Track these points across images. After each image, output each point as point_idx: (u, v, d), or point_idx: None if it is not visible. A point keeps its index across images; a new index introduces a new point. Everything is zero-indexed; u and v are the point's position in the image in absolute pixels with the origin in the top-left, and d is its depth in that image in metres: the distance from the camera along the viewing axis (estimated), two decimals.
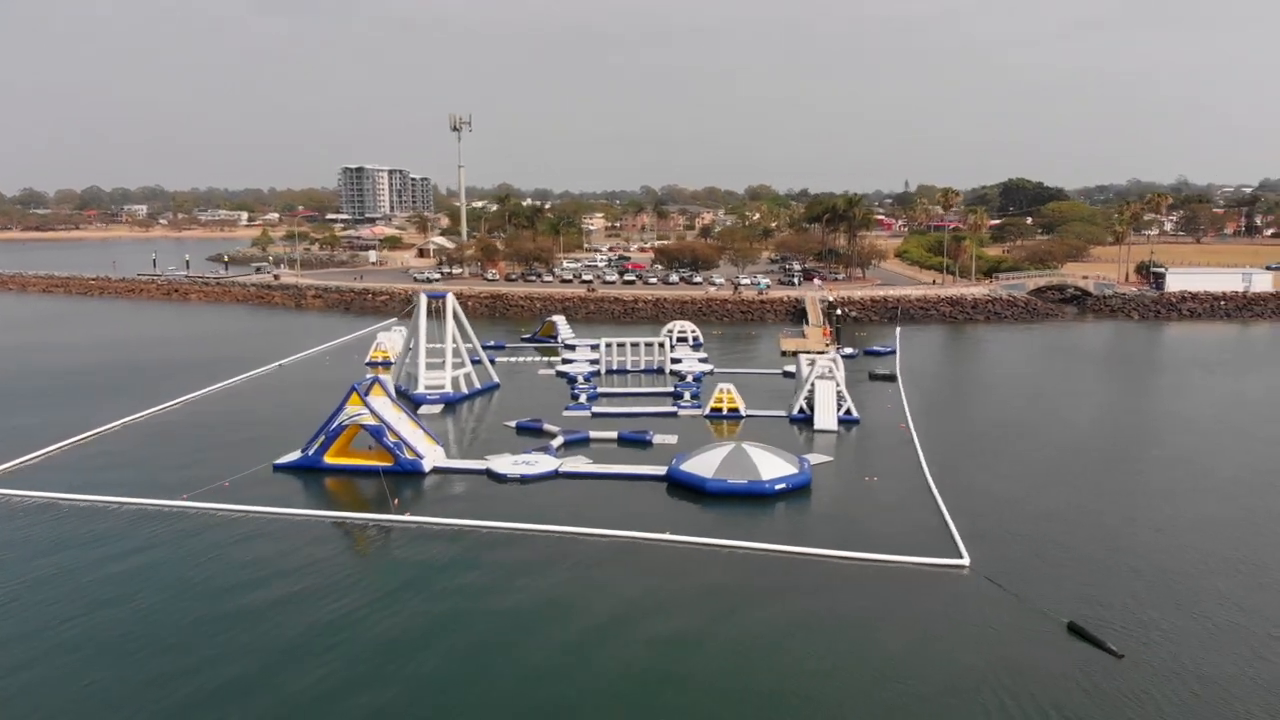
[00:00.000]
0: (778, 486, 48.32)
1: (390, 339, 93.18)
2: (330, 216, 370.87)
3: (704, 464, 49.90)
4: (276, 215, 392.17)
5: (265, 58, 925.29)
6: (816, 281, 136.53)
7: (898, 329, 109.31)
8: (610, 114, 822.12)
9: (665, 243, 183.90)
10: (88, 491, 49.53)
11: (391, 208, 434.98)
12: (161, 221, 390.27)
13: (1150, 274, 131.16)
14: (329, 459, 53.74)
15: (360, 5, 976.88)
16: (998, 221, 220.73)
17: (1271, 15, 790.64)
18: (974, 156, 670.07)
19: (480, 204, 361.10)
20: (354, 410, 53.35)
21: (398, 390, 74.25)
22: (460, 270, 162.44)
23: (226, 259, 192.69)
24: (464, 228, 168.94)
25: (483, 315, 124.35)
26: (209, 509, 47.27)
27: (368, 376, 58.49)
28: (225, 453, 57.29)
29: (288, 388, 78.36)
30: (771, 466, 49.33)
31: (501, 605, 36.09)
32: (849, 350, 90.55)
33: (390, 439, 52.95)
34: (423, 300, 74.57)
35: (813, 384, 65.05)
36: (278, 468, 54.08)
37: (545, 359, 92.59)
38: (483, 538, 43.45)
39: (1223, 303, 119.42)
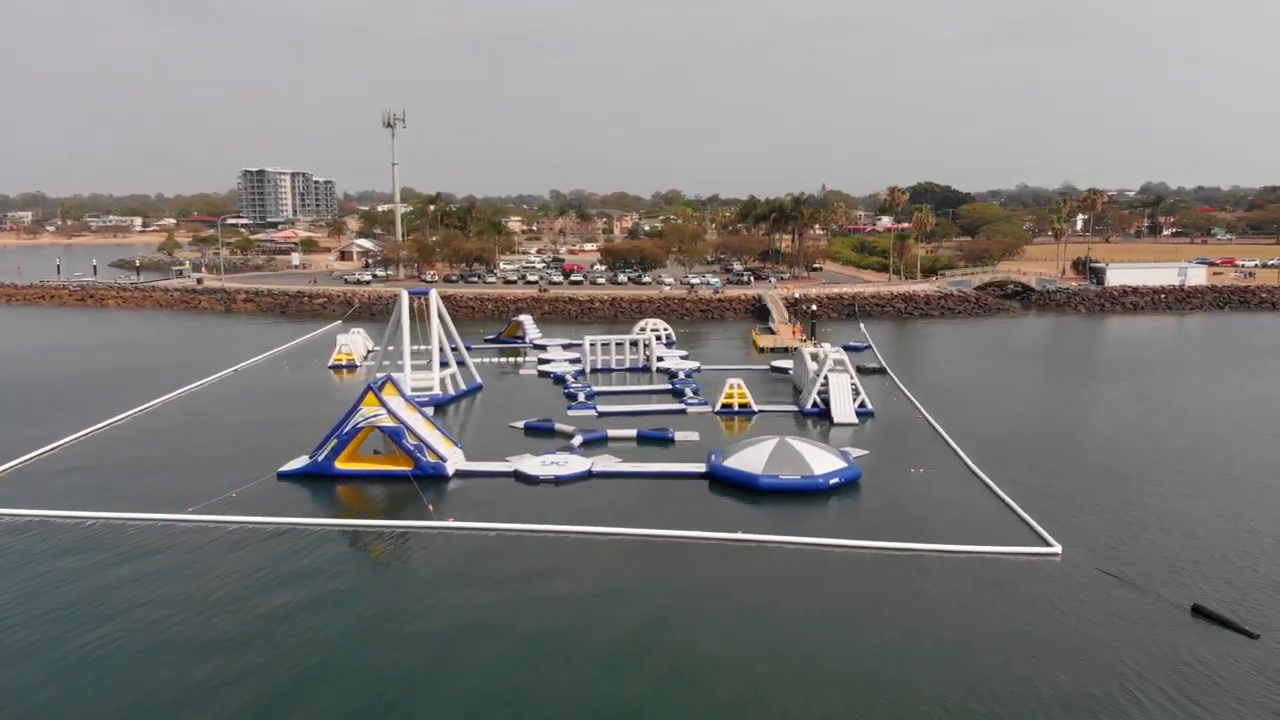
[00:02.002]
0: (832, 481, 46.57)
1: (351, 340, 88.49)
2: (230, 221, 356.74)
3: (750, 460, 47.76)
4: (174, 220, 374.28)
5: (146, 62, 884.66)
6: (772, 280, 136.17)
7: (861, 325, 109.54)
8: (514, 120, 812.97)
9: (613, 243, 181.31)
10: (67, 508, 44.52)
11: (294, 211, 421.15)
12: (49, 228, 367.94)
13: (1089, 270, 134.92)
14: (340, 464, 49.72)
15: (249, 7, 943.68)
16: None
17: (1137, 31, 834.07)
18: (881, 161, 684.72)
19: (385, 207, 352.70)
20: (370, 411, 49.41)
21: None
22: (390, 272, 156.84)
23: (139, 264, 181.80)
24: (399, 228, 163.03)
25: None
26: (223, 522, 42.89)
27: (379, 375, 54.55)
28: (216, 463, 52.58)
29: (251, 393, 73.16)
30: (822, 461, 47.56)
31: (614, 616, 33.23)
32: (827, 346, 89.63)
33: (410, 441, 49.24)
34: (404, 297, 70.51)
35: (826, 377, 63.70)
36: (282, 475, 49.77)
37: (515, 359, 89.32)
38: (541, 541, 40.41)
39: (1163, 296, 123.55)
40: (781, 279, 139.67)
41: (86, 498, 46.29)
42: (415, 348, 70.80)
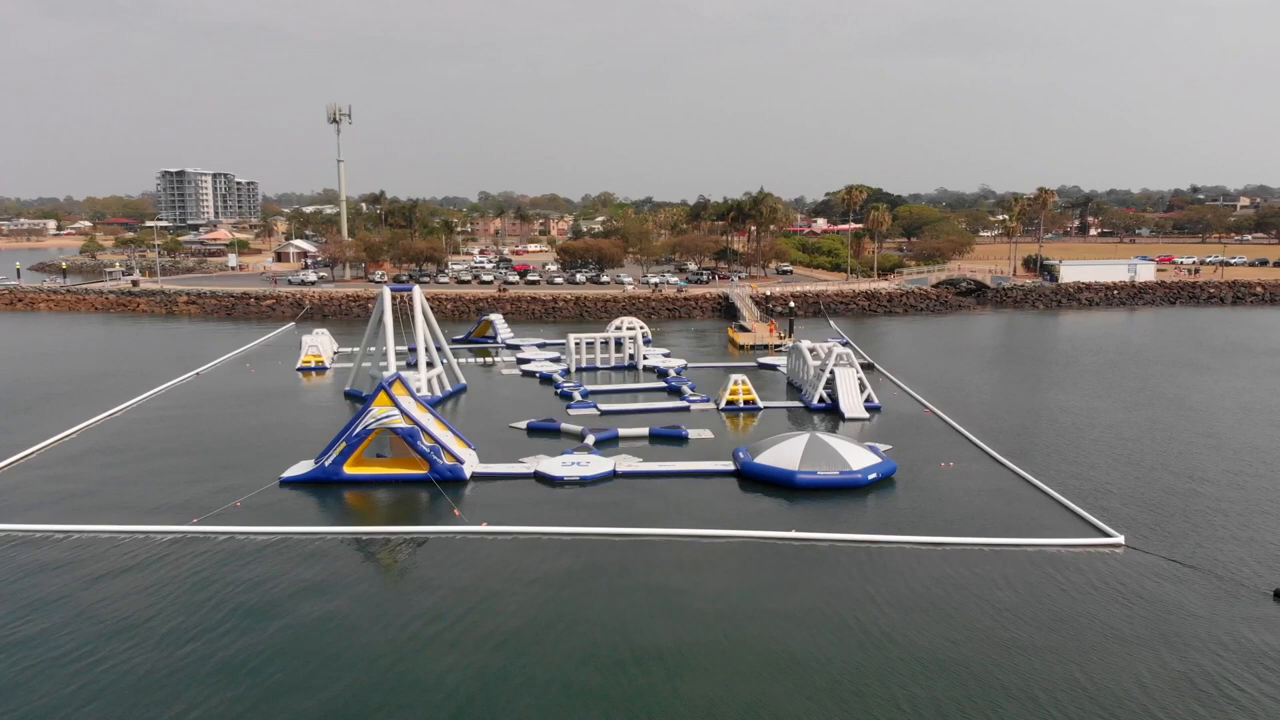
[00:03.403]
0: (870, 476, 45.40)
1: (319, 342, 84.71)
2: (149, 224, 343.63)
3: (783, 457, 46.29)
4: (89, 223, 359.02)
5: (54, 64, 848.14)
6: (735, 279, 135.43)
7: (832, 322, 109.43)
8: (438, 122, 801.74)
9: (570, 242, 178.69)
10: (59, 520, 40.95)
11: (216, 213, 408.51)
12: None
13: (1040, 268, 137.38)
14: (348, 469, 46.79)
15: (158, 9, 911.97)
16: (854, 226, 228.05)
17: (1050, 38, 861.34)
18: (808, 165, 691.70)
19: (311, 208, 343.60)
20: (382, 412, 46.54)
21: (362, 397, 67.27)
22: (327, 273, 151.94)
23: (64, 267, 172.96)
24: (344, 227, 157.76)
25: None
26: (232, 532, 39.78)
27: (387, 374, 51.64)
28: (208, 471, 49.15)
29: (221, 398, 69.10)
30: (857, 456, 46.35)
31: (693, 613, 31.35)
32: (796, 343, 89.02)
33: (425, 443, 46.57)
34: (387, 294, 67.43)
35: (832, 372, 62.72)
36: (285, 482, 46.63)
37: (487, 359, 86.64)
38: (591, 544, 38.26)
39: (1115, 292, 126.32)
40: (739, 279, 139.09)
41: (77, 510, 42.64)
42: (399, 348, 67.83)
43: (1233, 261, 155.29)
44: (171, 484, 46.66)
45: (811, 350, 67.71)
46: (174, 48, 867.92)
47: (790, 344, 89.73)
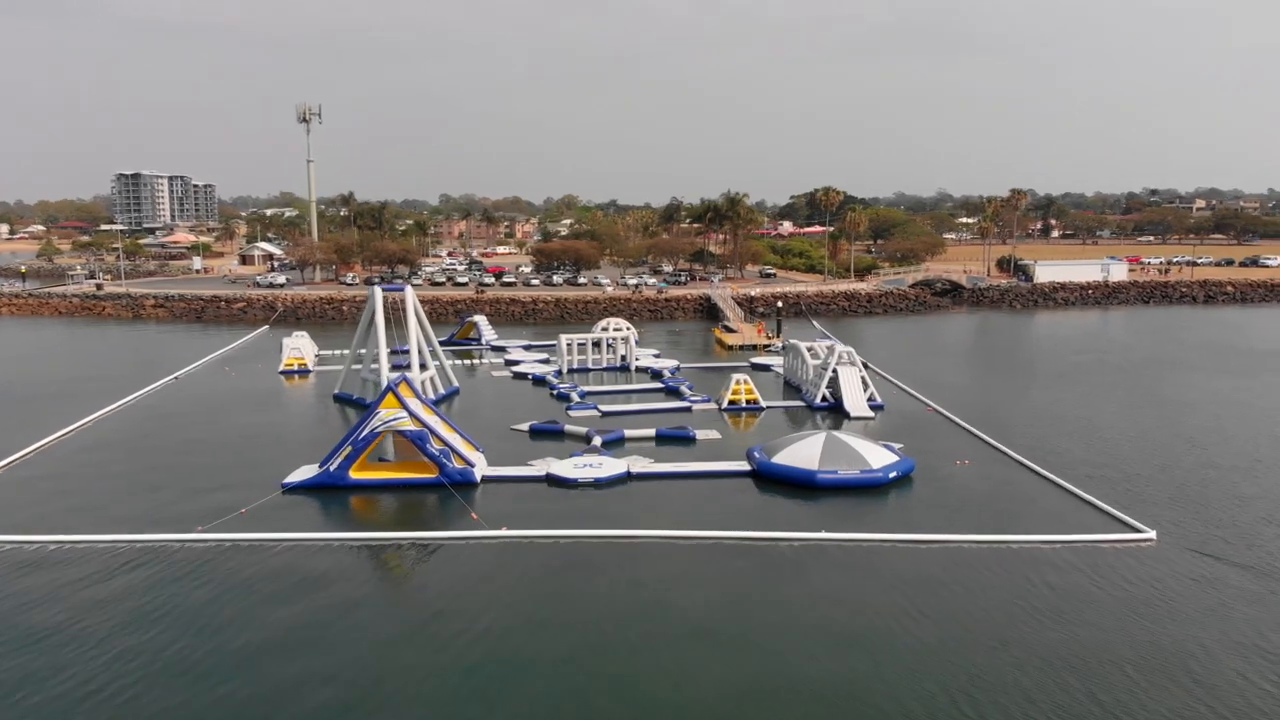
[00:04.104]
0: (891, 475, 44.85)
1: (301, 344, 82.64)
2: (104, 227, 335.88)
3: (802, 456, 45.59)
4: (43, 227, 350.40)
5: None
6: (716, 280, 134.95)
7: (815, 322, 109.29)
8: (397, 124, 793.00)
9: (546, 243, 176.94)
10: (47, 531, 39.15)
11: (173, 216, 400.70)
12: None
13: (1015, 268, 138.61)
14: (354, 474, 45.29)
15: (105, 7, 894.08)
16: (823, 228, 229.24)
17: (1007, 43, 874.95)
18: (773, 170, 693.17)
19: (271, 211, 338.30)
20: (390, 414, 45.13)
21: (353, 400, 65.75)
22: (296, 275, 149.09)
23: (23, 270, 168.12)
24: (314, 228, 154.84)
25: None
26: (240, 540, 38.24)
27: (393, 375, 50.17)
28: (204, 477, 47.39)
29: (205, 403, 66.94)
30: (876, 455, 45.79)
31: (747, 618, 30.47)
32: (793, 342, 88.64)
33: (435, 446, 45.21)
34: (378, 294, 65.83)
35: (835, 371, 62.24)
36: (288, 488, 45.02)
37: (472, 361, 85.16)
38: (623, 547, 37.20)
39: (1090, 291, 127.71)
40: (718, 280, 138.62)
41: (74, 519, 40.77)
42: (391, 350, 66.20)
43: (1200, 261, 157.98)
44: (168, 492, 44.85)
45: (810, 349, 67.21)
46: (125, 47, 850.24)
47: (779, 344, 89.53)
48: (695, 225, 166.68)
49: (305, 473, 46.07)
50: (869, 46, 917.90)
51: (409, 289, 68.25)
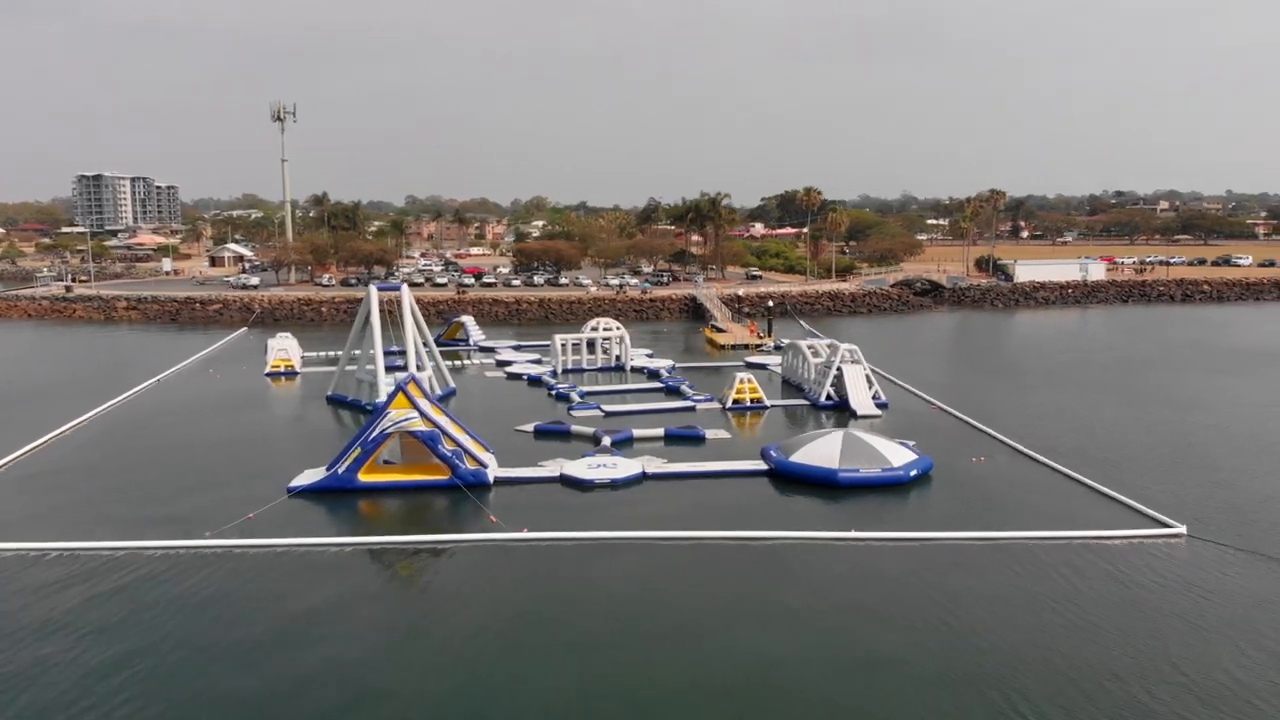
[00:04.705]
0: (912, 473, 44.36)
1: (288, 345, 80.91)
2: (65, 229, 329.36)
3: (821, 454, 44.95)
4: (2, 229, 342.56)
5: None
6: (699, 280, 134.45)
7: (803, 322, 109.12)
8: (362, 124, 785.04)
9: (527, 243, 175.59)
10: (48, 538, 37.55)
11: (135, 218, 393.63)
12: None
13: (994, 268, 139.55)
14: (362, 477, 44.00)
15: (65, 7, 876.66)
16: (798, 229, 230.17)
17: (973, 49, 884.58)
18: (739, 172, 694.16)
19: (237, 212, 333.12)
20: (400, 415, 43.86)
21: (348, 402, 64.34)
22: (269, 276, 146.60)
23: None
24: (290, 228, 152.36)
25: (343, 322, 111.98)
26: (251, 546, 36.86)
27: (401, 375, 48.88)
28: (204, 481, 45.78)
29: (193, 406, 65.06)
30: (895, 453, 45.29)
31: (774, 618, 29.72)
32: (786, 341, 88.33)
33: (447, 447, 44.04)
34: (374, 293, 64.39)
35: (839, 369, 61.80)
36: (294, 492, 43.61)
37: (460, 362, 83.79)
38: (645, 549, 36.33)
39: (1070, 291, 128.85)
40: (701, 280, 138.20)
41: (73, 525, 39.14)
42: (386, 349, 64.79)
43: (1173, 261, 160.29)
44: (168, 497, 43.22)
45: (810, 348, 66.76)
46: (81, 47, 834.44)
47: (771, 343, 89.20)
48: (673, 226, 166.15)
49: (310, 476, 44.69)
50: (826, 52, 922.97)
51: (406, 289, 66.88)
